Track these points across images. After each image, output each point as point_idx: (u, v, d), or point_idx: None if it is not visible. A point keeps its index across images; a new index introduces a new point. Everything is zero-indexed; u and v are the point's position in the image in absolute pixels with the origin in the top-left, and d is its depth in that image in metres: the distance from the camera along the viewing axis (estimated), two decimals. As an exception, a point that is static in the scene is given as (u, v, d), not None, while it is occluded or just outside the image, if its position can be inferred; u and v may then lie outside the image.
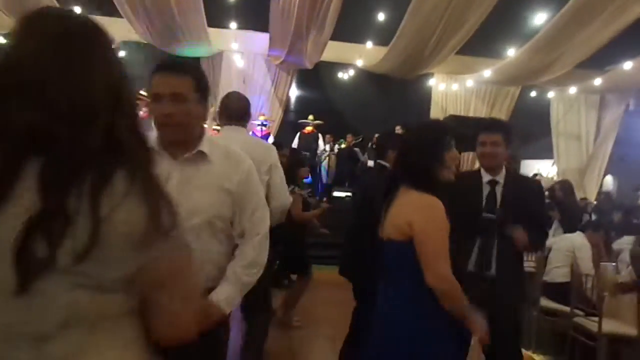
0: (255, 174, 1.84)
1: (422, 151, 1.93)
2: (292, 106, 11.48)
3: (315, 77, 10.83)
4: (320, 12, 7.09)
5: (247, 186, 1.77)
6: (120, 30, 8.36)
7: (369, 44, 9.22)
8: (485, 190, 2.71)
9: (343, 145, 10.22)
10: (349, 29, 8.52)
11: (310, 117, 9.93)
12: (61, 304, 0.83)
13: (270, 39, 8.31)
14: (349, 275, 3.23)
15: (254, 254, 1.76)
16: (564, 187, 5.78)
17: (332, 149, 10.04)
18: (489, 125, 2.81)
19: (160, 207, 0.88)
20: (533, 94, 11.11)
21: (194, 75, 1.68)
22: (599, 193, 10.90)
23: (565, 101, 11.26)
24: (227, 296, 1.66)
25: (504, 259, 2.62)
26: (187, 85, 1.64)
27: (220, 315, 1.64)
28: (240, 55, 9.67)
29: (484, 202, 2.69)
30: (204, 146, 1.70)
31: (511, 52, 8.83)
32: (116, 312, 0.91)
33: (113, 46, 0.95)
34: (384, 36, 8.86)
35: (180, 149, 1.69)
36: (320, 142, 10.09)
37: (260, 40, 8.88)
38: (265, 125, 9.42)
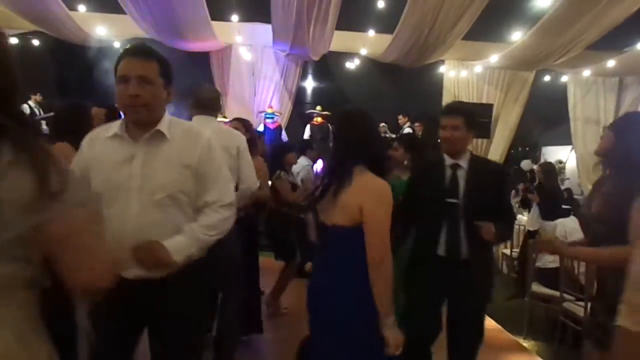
0: (215, 148, 1.93)
1: (375, 136, 2.03)
2: (305, 98, 11.50)
3: (324, 67, 10.81)
4: (322, 2, 7.09)
5: (208, 159, 1.87)
6: (127, 27, 8.55)
7: (371, 32, 9.14)
8: (448, 174, 2.70)
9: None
10: (350, 17, 8.47)
11: (319, 107, 9.94)
12: None
13: (273, 31, 8.34)
14: None
15: (215, 218, 1.87)
16: (546, 170, 5.67)
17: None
18: (448, 108, 2.77)
19: (49, 173, 0.99)
20: (547, 78, 10.83)
21: (160, 61, 1.83)
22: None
23: (581, 85, 10.92)
24: (178, 244, 1.76)
25: (473, 243, 2.62)
26: (153, 69, 1.79)
27: (166, 258, 1.72)
28: (249, 48, 9.74)
29: (446, 186, 2.68)
30: (162, 126, 1.82)
31: (522, 35, 8.62)
32: (7, 283, 1.01)
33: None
34: (385, 24, 8.77)
35: (142, 131, 1.81)
36: (331, 133, 10.08)
37: (267, 32, 8.92)
38: (273, 118, 9.49)
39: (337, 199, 1.92)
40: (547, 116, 11.44)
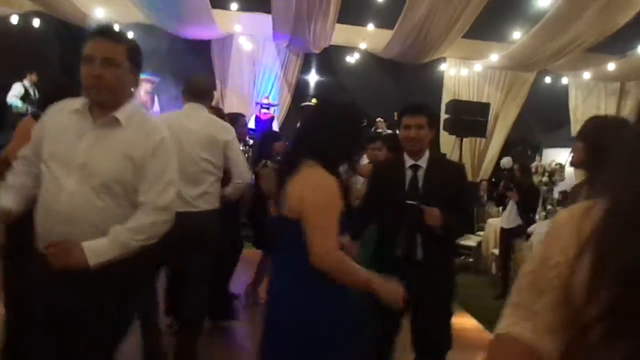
0: (170, 149, 1.86)
1: (339, 129, 1.88)
2: (306, 90, 11.46)
3: (325, 61, 10.78)
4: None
5: (154, 157, 1.80)
6: (130, 13, 8.54)
7: (371, 26, 9.10)
8: (408, 175, 2.65)
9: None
10: (349, 10, 8.43)
11: (314, 100, 9.91)
12: None
13: (274, 21, 8.32)
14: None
15: (145, 221, 1.77)
16: (523, 168, 5.75)
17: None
18: (412, 107, 2.68)
19: None
20: (548, 80, 10.78)
21: (128, 44, 1.80)
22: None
23: (582, 87, 10.88)
24: (97, 247, 1.68)
25: (430, 245, 2.58)
26: (120, 51, 1.75)
27: (79, 259, 1.65)
28: (250, 39, 9.72)
29: (406, 188, 2.63)
30: (121, 113, 1.78)
31: (524, 35, 8.56)
32: None
33: None
34: (384, 18, 8.73)
35: (102, 114, 1.78)
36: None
37: (268, 23, 8.89)
38: (268, 109, 9.44)
39: (284, 189, 1.84)
40: (548, 118, 11.39)
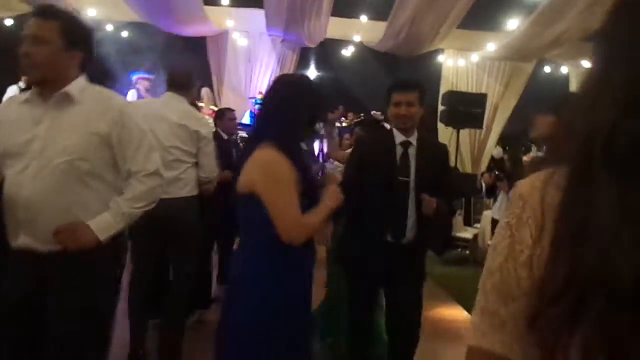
0: (130, 115, 1.85)
1: (290, 105, 1.88)
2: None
3: (321, 55, 10.74)
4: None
5: (124, 127, 1.80)
6: (125, 12, 8.50)
7: (364, 18, 9.03)
8: (399, 152, 2.60)
9: (344, 124, 10.09)
10: (342, 3, 8.37)
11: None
12: None
13: (267, 15, 8.26)
14: None
15: (140, 189, 1.81)
16: (513, 158, 5.65)
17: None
18: (402, 83, 2.65)
19: None
20: (547, 69, 10.65)
21: (64, 21, 1.77)
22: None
23: (583, 77, 10.73)
24: (102, 222, 1.72)
25: (420, 224, 2.57)
26: (52, 29, 1.73)
27: (89, 236, 1.69)
28: (245, 34, 9.67)
29: (398, 164, 2.59)
30: (71, 88, 1.76)
31: (521, 23, 8.44)
32: None
33: None
34: (377, 11, 8.66)
35: (49, 94, 1.76)
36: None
37: (262, 18, 8.85)
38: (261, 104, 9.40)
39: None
40: (548, 108, 11.24)
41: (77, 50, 1.80)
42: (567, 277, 0.54)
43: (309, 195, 1.88)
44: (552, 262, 0.57)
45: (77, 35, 1.79)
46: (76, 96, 1.76)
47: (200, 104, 7.82)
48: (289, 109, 1.86)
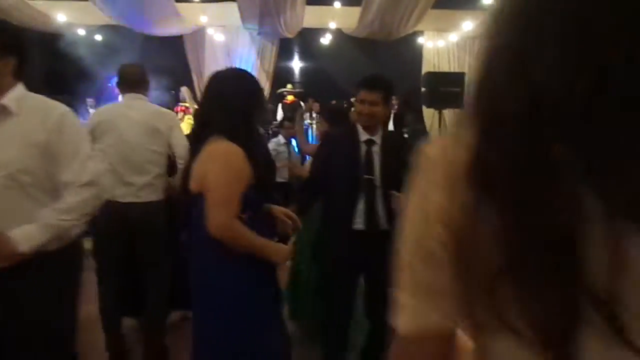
0: (72, 123, 1.79)
1: (238, 98, 1.88)
2: (286, 77, 11.35)
3: (300, 45, 10.68)
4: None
5: (61, 134, 1.73)
6: (97, 16, 8.39)
7: (337, 4, 8.96)
8: (363, 150, 2.63)
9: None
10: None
11: (289, 85, 9.80)
12: None
13: (240, 9, 8.18)
14: None
15: (73, 200, 1.73)
16: None
17: (311, 117, 9.87)
18: (368, 81, 2.64)
19: None
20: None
21: None
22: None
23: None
24: (26, 233, 1.64)
25: (391, 215, 2.57)
26: None
27: (9, 248, 1.61)
28: (222, 30, 9.58)
29: (362, 162, 2.62)
30: (7, 100, 1.69)
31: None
32: None
33: None
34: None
35: None
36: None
37: (237, 11, 8.77)
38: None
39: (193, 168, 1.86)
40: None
41: (8, 56, 1.71)
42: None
43: (263, 188, 1.87)
44: (503, 230, 0.51)
45: (8, 43, 1.70)
46: (13, 108, 1.68)
47: (186, 104, 7.79)
48: (230, 101, 1.86)
